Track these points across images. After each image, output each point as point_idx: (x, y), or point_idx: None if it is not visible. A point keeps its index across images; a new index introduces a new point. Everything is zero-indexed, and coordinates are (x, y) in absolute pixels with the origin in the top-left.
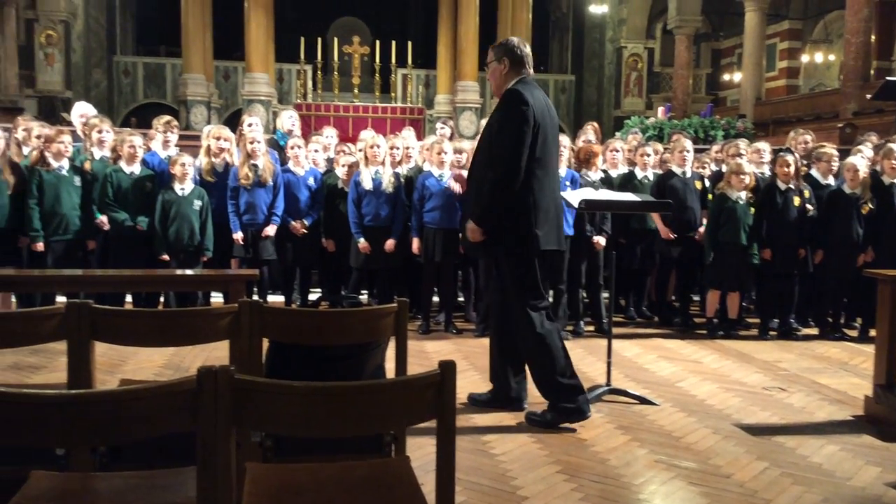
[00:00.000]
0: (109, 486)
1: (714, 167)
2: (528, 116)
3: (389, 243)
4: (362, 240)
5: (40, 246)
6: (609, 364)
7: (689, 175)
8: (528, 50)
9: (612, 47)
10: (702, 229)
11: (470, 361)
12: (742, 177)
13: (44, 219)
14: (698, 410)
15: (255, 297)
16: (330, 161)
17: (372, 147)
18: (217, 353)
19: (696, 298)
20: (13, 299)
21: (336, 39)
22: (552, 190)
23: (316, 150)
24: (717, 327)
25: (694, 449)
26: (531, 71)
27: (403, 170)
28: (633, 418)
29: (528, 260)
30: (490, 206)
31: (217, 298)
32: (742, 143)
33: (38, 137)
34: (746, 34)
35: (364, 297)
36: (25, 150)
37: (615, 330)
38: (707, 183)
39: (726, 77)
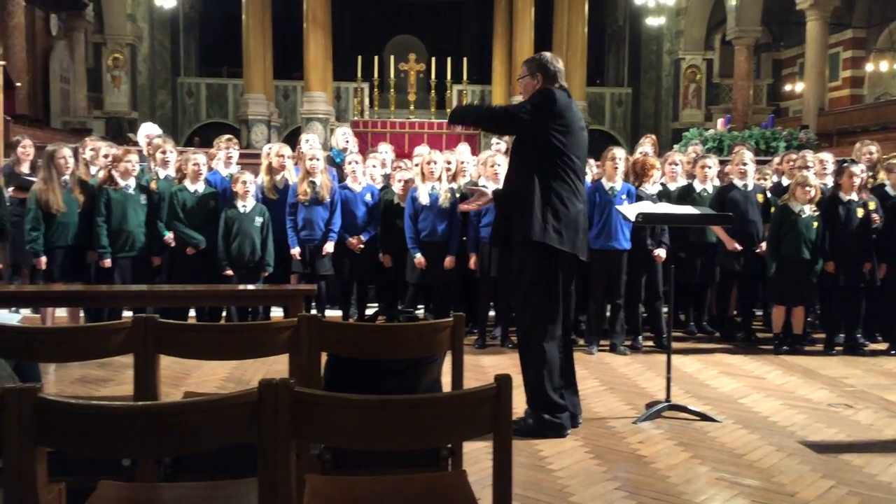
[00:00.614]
0: (174, 496)
1: (775, 179)
2: (553, 100)
3: (449, 260)
4: (419, 255)
5: (108, 262)
6: (668, 380)
7: (750, 188)
8: (560, 65)
9: (670, 59)
10: (764, 243)
11: None
12: (807, 189)
13: (111, 236)
14: (761, 427)
15: (314, 312)
16: (387, 177)
17: (429, 163)
18: (277, 366)
19: (759, 313)
20: (81, 314)
21: (392, 57)
22: (578, 196)
23: (374, 166)
24: (783, 343)
25: (757, 466)
26: (564, 85)
27: (459, 185)
28: (693, 435)
29: (545, 258)
30: (469, 116)
31: (277, 313)
32: (809, 155)
33: (106, 157)
34: (808, 43)
35: (420, 312)
36: (93, 170)
37: (675, 345)
38: (769, 195)
39: (788, 87)
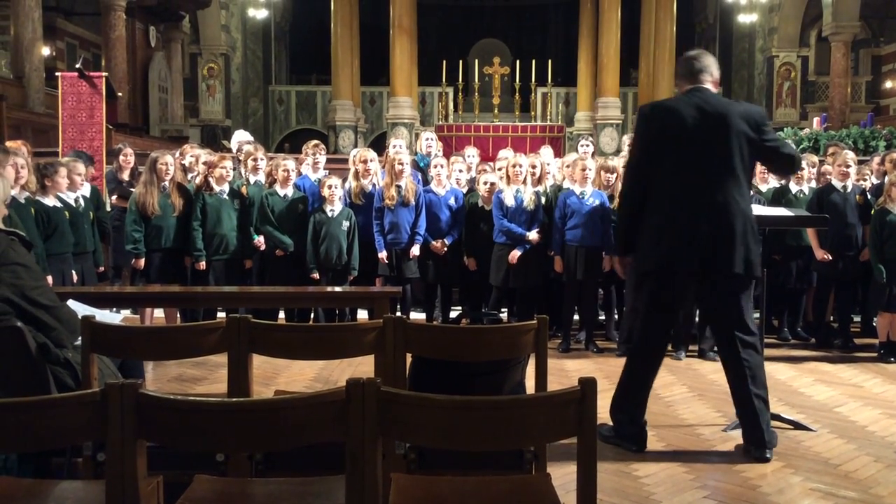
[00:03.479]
0: (266, 490)
1: (875, 180)
2: (640, 133)
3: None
4: (531, 234)
5: (203, 265)
6: None
7: (849, 189)
8: (704, 61)
9: (763, 57)
10: (865, 249)
11: (611, 381)
12: None
13: (206, 239)
14: (859, 437)
15: (399, 314)
16: (472, 180)
17: (514, 166)
18: (363, 367)
19: (857, 319)
20: (177, 315)
21: (477, 61)
22: (687, 203)
23: (460, 171)
24: (889, 352)
25: (853, 477)
26: (706, 78)
27: (543, 188)
28: (786, 444)
29: (640, 277)
30: (619, 230)
31: (363, 315)
32: None
33: (204, 164)
34: None
35: (504, 315)
36: (190, 176)
37: (767, 352)
38: (868, 196)
39: (888, 84)
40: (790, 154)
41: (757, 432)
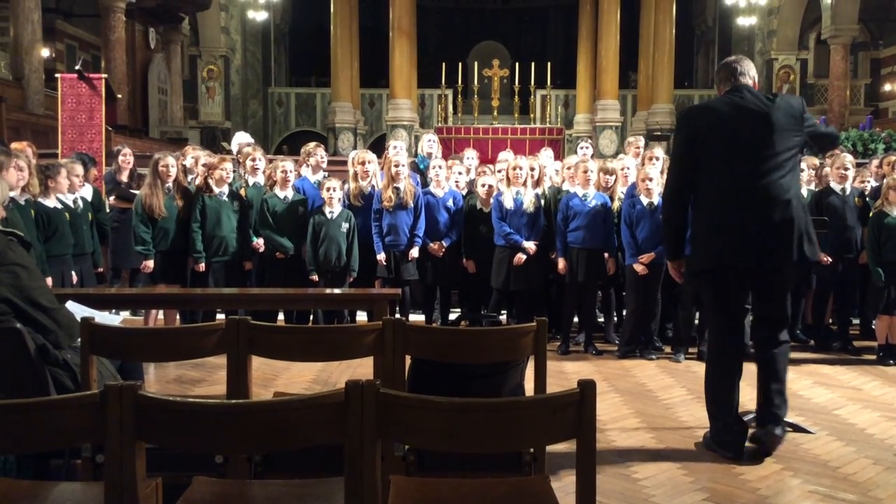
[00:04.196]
0: (265, 492)
1: (874, 183)
2: (680, 135)
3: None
4: (527, 243)
5: (202, 266)
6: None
7: (848, 192)
8: (743, 64)
9: (762, 59)
10: (864, 252)
11: (610, 383)
12: None
13: (205, 241)
14: (858, 440)
15: (398, 316)
16: (470, 182)
17: (514, 168)
18: (362, 369)
19: (856, 322)
20: (177, 316)
21: (476, 63)
22: (739, 199)
23: (459, 173)
24: (888, 354)
25: (852, 480)
26: (745, 80)
27: (543, 190)
28: (785, 446)
29: (693, 277)
30: (668, 234)
31: (362, 317)
32: None
33: (203, 165)
34: None
35: (503, 317)
36: (191, 178)
37: None
38: (867, 199)
39: (887, 87)
40: (829, 133)
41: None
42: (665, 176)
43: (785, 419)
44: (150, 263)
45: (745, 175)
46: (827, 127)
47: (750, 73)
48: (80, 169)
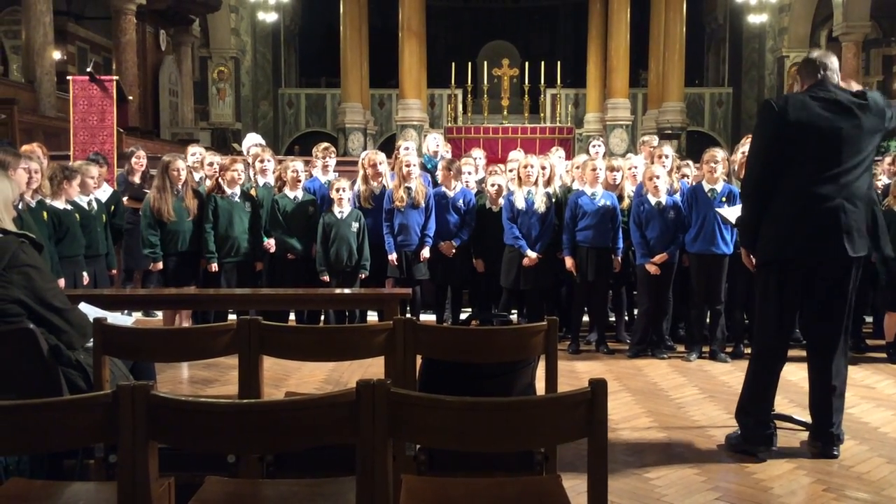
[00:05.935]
0: (276, 492)
1: (886, 180)
2: (767, 128)
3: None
4: (530, 251)
5: (214, 267)
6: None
7: None
8: (827, 59)
9: (773, 57)
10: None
11: (622, 382)
12: None
13: (217, 242)
14: (871, 438)
15: (409, 316)
16: (480, 182)
17: (525, 167)
18: (373, 369)
19: (869, 320)
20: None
21: (485, 63)
22: (809, 195)
23: (469, 172)
24: None
25: (866, 479)
26: (830, 75)
27: (553, 189)
28: (797, 445)
29: (761, 268)
30: (742, 222)
31: (372, 317)
32: None
33: (210, 165)
34: None
35: (514, 317)
36: (197, 177)
37: None
38: (878, 196)
39: None
40: None
41: (829, 428)
42: (741, 167)
43: (796, 418)
44: (160, 265)
45: (829, 170)
46: None
47: (834, 68)
48: (94, 171)
